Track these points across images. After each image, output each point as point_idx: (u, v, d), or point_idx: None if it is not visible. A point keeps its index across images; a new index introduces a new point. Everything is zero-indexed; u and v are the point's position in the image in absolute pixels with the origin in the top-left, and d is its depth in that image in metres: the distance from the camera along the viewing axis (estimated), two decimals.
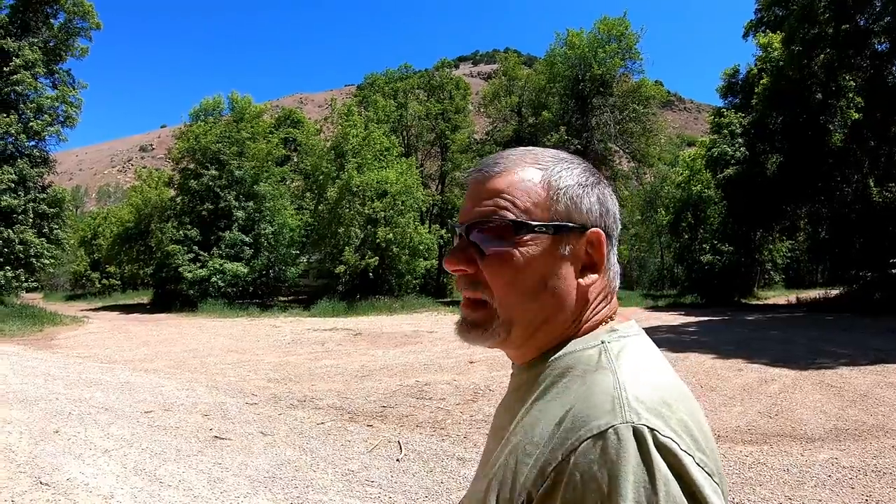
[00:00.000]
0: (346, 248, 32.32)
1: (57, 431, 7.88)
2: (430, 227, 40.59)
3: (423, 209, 40.16)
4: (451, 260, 1.09)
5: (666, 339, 17.05)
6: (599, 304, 1.10)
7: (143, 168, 50.79)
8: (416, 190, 35.49)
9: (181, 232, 35.08)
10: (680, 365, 12.35)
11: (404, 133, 46.73)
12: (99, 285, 56.04)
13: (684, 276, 39.78)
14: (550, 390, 0.98)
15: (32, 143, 30.33)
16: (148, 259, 42.57)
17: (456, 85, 48.94)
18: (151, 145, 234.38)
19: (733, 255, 35.00)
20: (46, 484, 5.96)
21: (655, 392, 0.89)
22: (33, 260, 29.03)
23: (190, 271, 33.55)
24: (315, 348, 16.85)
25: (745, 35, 34.20)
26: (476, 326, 1.08)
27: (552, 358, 1.04)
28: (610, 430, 0.82)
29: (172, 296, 35.51)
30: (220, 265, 34.03)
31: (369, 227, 33.11)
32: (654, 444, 0.81)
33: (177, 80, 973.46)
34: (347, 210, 32.82)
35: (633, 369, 0.93)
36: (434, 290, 42.31)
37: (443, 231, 42.21)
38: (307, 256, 40.81)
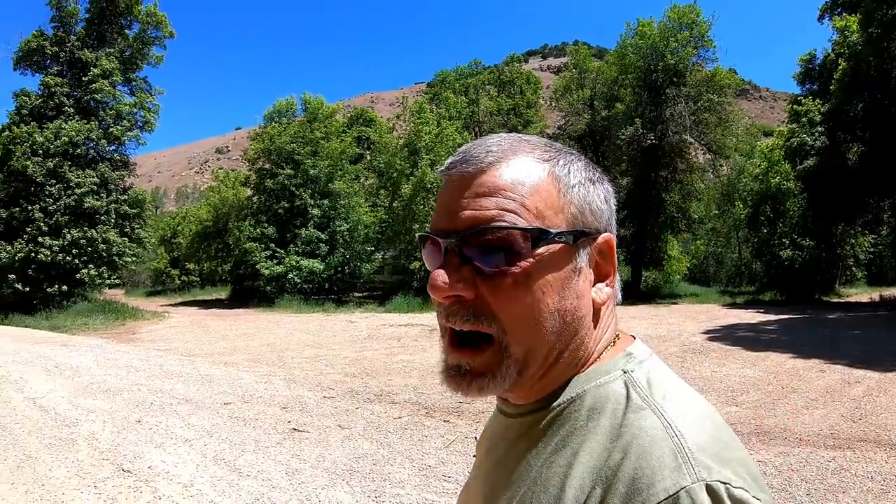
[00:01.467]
0: None
1: (139, 421, 8.14)
2: None
3: None
4: (441, 283, 0.85)
5: (745, 338, 16.63)
6: (609, 321, 0.95)
7: (220, 169, 52.00)
8: None
9: (258, 230, 35.71)
10: (760, 365, 12.09)
11: (476, 129, 46.60)
12: (178, 282, 57.43)
13: (763, 273, 38.65)
14: (573, 438, 0.82)
15: (113, 147, 31.82)
16: (226, 256, 43.63)
17: (526, 79, 48.64)
18: (227, 147, 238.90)
19: (814, 250, 33.83)
20: (128, 471, 6.16)
21: (709, 432, 0.77)
22: (116, 258, 30.22)
23: (267, 268, 34.18)
24: (391, 343, 16.91)
25: (821, 18, 33.19)
26: (481, 376, 0.87)
27: (568, 397, 0.87)
28: (682, 492, 0.69)
29: (250, 292, 36.37)
30: (297, 262, 34.55)
31: None
32: (730, 498, 0.70)
33: (249, 84, 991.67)
34: (422, 206, 32.77)
35: (675, 405, 0.80)
36: None
37: None
38: (382, 253, 40.95)
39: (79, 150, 29.46)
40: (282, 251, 35.34)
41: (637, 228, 37.26)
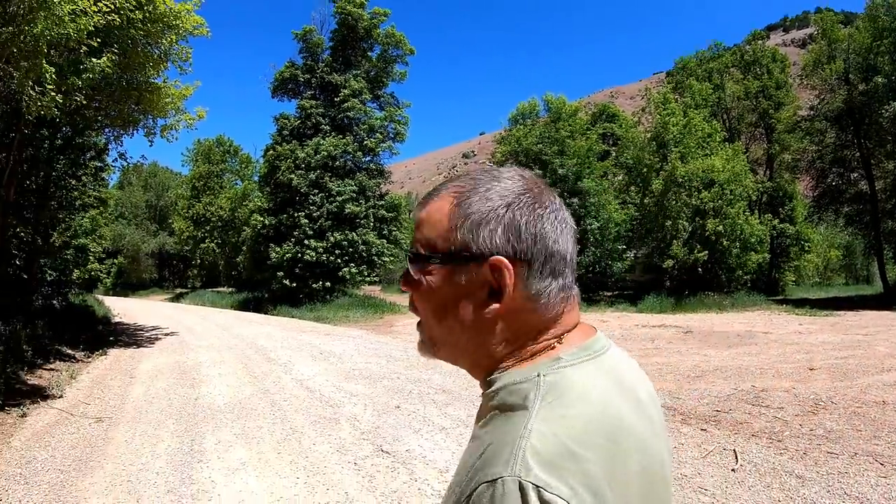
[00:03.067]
0: (674, 241, 31.38)
1: (398, 407, 8.53)
2: (760, 217, 37.99)
3: (753, 198, 37.58)
4: (401, 282, 1.15)
5: None
6: (516, 327, 1.05)
7: None
8: (745, 177, 33.34)
9: None
10: None
11: (724, 116, 44.01)
12: None
13: None
14: (489, 422, 0.98)
15: (368, 158, 34.90)
16: None
17: (772, 57, 44.66)
18: (472, 151, 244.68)
19: None
20: (387, 452, 6.48)
21: (562, 441, 0.87)
22: (375, 258, 32.90)
23: None
24: (645, 345, 16.34)
25: None
26: (421, 343, 1.15)
27: (490, 389, 1.03)
28: (499, 480, 0.83)
29: None
30: None
31: (697, 219, 31.73)
32: (539, 499, 0.80)
33: (489, 90, 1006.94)
34: (674, 202, 31.67)
35: (552, 411, 0.91)
36: (765, 287, 39.33)
37: (775, 221, 39.49)
38: (633, 251, 40.21)
39: (337, 163, 32.61)
40: None
41: None
